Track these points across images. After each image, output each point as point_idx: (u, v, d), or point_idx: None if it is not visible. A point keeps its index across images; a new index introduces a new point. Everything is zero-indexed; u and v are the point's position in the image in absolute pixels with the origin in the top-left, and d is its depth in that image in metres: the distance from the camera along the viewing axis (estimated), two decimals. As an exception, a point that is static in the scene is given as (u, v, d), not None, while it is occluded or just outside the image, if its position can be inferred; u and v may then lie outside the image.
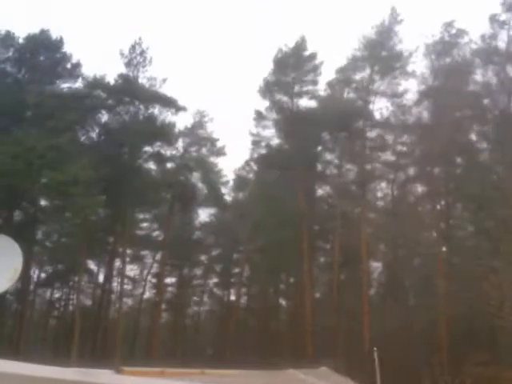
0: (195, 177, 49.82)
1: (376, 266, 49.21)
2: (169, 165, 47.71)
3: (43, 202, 42.47)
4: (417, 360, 33.48)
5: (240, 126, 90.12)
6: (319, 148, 47.24)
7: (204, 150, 50.08)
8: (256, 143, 47.82)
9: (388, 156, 45.25)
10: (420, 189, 46.71)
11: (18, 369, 5.14)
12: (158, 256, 50.32)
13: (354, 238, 41.79)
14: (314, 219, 43.96)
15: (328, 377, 5.79)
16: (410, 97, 43.45)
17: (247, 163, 52.38)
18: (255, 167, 51.84)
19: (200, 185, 50.42)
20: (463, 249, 41.38)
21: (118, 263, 48.04)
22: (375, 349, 16.36)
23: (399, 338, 37.09)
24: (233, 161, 75.79)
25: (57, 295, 51.78)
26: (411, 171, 46.09)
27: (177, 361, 31.36)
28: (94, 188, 37.10)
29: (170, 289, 51.51)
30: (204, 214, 54.12)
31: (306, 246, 42.16)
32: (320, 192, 50.20)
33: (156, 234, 51.69)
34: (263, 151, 48.14)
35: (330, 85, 46.33)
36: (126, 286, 47.52)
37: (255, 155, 49.19)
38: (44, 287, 49.86)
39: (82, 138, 42.95)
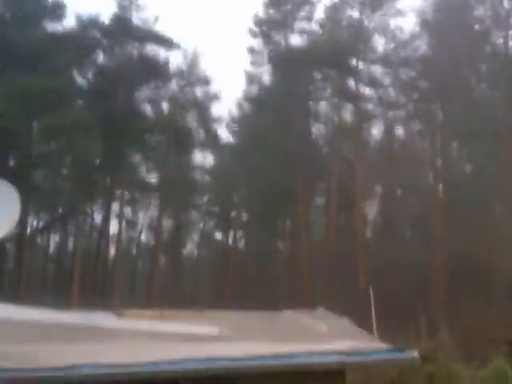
0: (190, 118, 49.50)
1: (372, 207, 49.38)
2: (164, 106, 47.58)
3: (40, 146, 42.28)
4: (413, 299, 33.95)
5: (234, 65, 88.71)
6: (312, 87, 46.78)
7: (199, 92, 49.64)
8: (249, 81, 47.54)
9: (383, 93, 44.87)
10: (417, 127, 46.47)
11: (20, 314, 5.25)
12: (155, 199, 50.39)
13: (350, 180, 41.78)
14: (309, 161, 43.78)
15: (325, 317, 5.89)
16: (406, 33, 42.93)
17: (241, 103, 52.05)
18: (249, 108, 51.56)
19: (195, 126, 50.13)
20: (460, 188, 41.42)
21: (115, 207, 48.17)
22: (371, 288, 16.55)
23: (395, 278, 37.52)
24: (227, 102, 75.23)
25: (55, 239, 52.07)
26: (407, 109, 45.75)
27: (175, 304, 31.74)
28: (91, 131, 36.92)
29: (167, 232, 51.72)
30: (199, 157, 54.00)
31: (301, 188, 42.15)
32: (315, 133, 49.84)
33: (152, 176, 51.61)
34: (256, 90, 47.84)
35: (323, 22, 45.71)
36: (123, 230, 47.75)
37: (248, 95, 48.94)
38: (42, 232, 50.07)
39: (78, 80, 42.60)
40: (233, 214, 52.08)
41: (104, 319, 5.42)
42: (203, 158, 53.84)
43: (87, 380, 4.13)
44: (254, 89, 48.96)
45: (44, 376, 4.08)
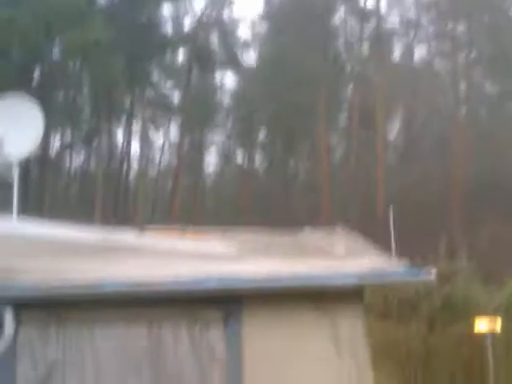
0: (213, 38, 48.97)
1: (393, 128, 49.00)
2: (187, 25, 47.04)
3: (63, 64, 42.14)
4: (432, 222, 34.00)
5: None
6: (332, 4, 45.80)
7: (222, 12, 48.89)
8: (267, 1, 46.65)
9: (404, 12, 43.84)
10: (440, 47, 45.51)
11: (43, 230, 5.37)
12: (176, 119, 50.35)
13: (371, 100, 41.35)
14: (330, 81, 43.23)
15: (344, 238, 5.95)
16: None
17: (259, 23, 51.16)
18: (267, 27, 50.75)
19: (217, 47, 49.57)
20: (483, 111, 40.90)
21: (136, 127, 48.27)
22: (391, 207, 16.60)
23: (415, 199, 37.54)
24: (247, 22, 73.81)
25: (77, 160, 52.38)
26: (430, 28, 44.73)
27: (196, 223, 32.10)
28: (113, 48, 36.67)
29: (188, 152, 51.82)
30: (221, 77, 53.56)
31: (321, 108, 41.81)
32: (335, 52, 48.97)
33: (174, 96, 51.41)
34: (275, 9, 46.96)
35: None
36: (144, 150, 47.94)
37: (267, 14, 48.13)
38: (64, 152, 50.36)
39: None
40: (253, 134, 51.90)
41: (127, 237, 5.53)
42: (224, 79, 53.37)
43: (109, 297, 4.25)
44: (273, 8, 48.05)
45: (66, 292, 4.20)
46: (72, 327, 4.32)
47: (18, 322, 4.12)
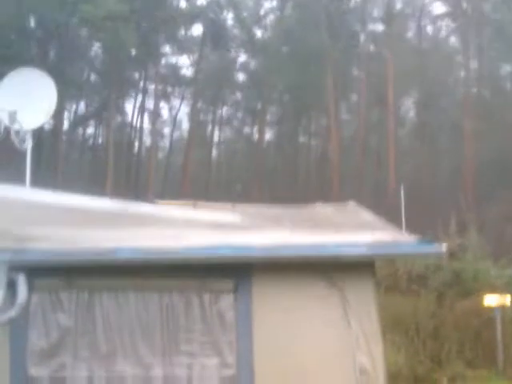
0: (225, 13, 48.84)
1: (404, 106, 48.80)
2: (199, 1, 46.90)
3: (76, 38, 42.15)
4: (443, 199, 33.98)
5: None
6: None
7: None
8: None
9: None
10: (452, 25, 45.15)
11: (58, 199, 5.40)
12: (188, 93, 50.32)
13: (381, 77, 41.16)
14: (340, 57, 43.01)
15: (355, 211, 5.97)
16: None
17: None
18: (277, 4, 50.45)
19: (230, 23, 49.48)
20: (495, 89, 40.63)
21: (149, 101, 48.33)
22: (402, 186, 16.71)
23: (426, 177, 37.47)
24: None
25: (89, 133, 52.55)
26: (443, 7, 44.36)
27: (207, 197, 32.18)
28: (127, 22, 36.63)
29: (200, 127, 51.85)
30: (233, 53, 53.38)
31: (331, 84, 41.62)
32: (345, 28, 48.64)
33: (187, 71, 51.38)
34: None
35: None
36: (156, 125, 48.01)
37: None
38: (77, 126, 50.51)
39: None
40: (264, 110, 51.79)
41: (140, 207, 5.56)
42: (237, 54, 53.21)
43: (122, 264, 4.29)
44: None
45: (79, 259, 4.25)
46: (84, 294, 4.38)
47: (30, 288, 4.15)
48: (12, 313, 4.03)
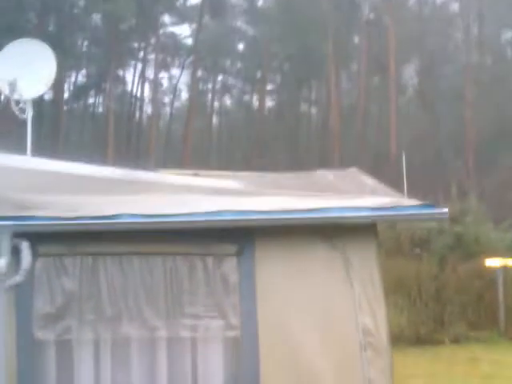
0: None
1: (404, 74, 48.56)
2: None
3: (75, 8, 41.93)
4: (443, 166, 34.01)
5: None
6: None
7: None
8: None
9: None
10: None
11: (60, 166, 5.43)
12: (188, 62, 50.09)
13: (382, 44, 40.94)
14: (340, 24, 42.73)
15: (357, 177, 5.99)
16: None
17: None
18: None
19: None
20: (496, 56, 40.42)
21: (149, 71, 48.13)
22: (403, 153, 16.69)
23: (427, 144, 37.42)
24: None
25: (90, 102, 52.42)
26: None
27: (208, 166, 32.22)
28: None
29: (200, 95, 51.70)
30: (232, 21, 53.05)
31: (331, 52, 41.43)
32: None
33: (186, 40, 51.11)
34: None
35: None
36: (157, 94, 47.88)
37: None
38: (77, 96, 50.37)
39: None
40: (264, 78, 51.60)
41: (142, 174, 5.59)
42: (237, 23, 52.90)
43: (125, 229, 4.32)
44: None
45: (84, 224, 4.27)
46: (88, 260, 4.41)
47: (34, 255, 4.20)
48: (17, 278, 4.09)
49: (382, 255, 4.78)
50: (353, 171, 6.53)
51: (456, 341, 15.40)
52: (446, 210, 4.59)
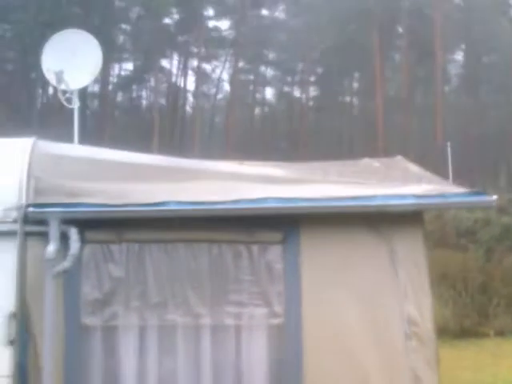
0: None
1: (451, 62, 47.91)
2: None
3: (120, 4, 42.42)
4: (492, 156, 33.46)
5: None
6: None
7: None
8: None
9: None
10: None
11: (109, 155, 5.49)
12: (231, 55, 50.17)
13: (428, 34, 40.42)
14: (385, 14, 42.28)
15: (403, 165, 5.92)
16: None
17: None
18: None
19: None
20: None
21: (192, 63, 48.37)
22: (448, 143, 16.52)
23: (474, 134, 36.85)
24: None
25: (135, 95, 52.91)
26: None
27: (252, 157, 32.28)
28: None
29: (243, 87, 51.75)
30: (275, 13, 52.97)
31: (376, 42, 41.08)
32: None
33: (228, 32, 51.16)
34: None
35: None
36: (200, 86, 48.09)
37: None
38: (122, 88, 50.86)
39: None
40: (308, 69, 51.41)
41: (188, 162, 5.62)
42: (275, 13, 52.79)
43: (173, 216, 4.36)
44: None
45: (132, 211, 4.32)
46: (134, 246, 4.46)
47: (82, 241, 4.26)
48: (65, 264, 4.16)
49: (427, 246, 4.73)
50: (398, 159, 6.46)
51: (501, 333, 15.20)
52: (494, 197, 4.52)
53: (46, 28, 26.99)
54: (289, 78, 54.71)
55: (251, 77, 53.47)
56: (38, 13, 36.77)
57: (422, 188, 4.67)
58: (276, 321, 4.46)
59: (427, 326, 4.46)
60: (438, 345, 4.52)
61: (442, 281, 14.62)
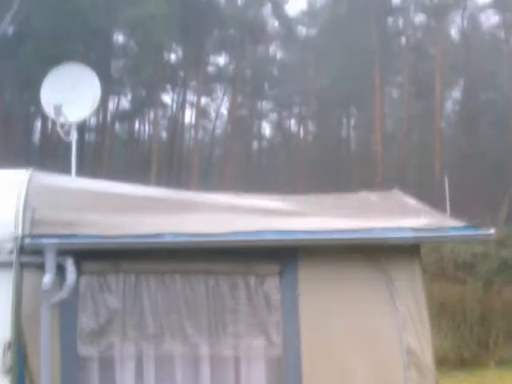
0: (265, 11, 49.03)
1: (449, 99, 48.32)
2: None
3: (120, 39, 42.88)
4: (489, 190, 33.51)
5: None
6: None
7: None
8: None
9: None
10: (496, 18, 44.65)
11: (105, 186, 5.50)
12: (229, 90, 50.57)
13: (427, 71, 40.87)
14: (386, 52, 42.84)
15: (400, 198, 5.92)
16: None
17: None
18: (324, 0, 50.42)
19: (270, 19, 49.63)
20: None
21: (190, 97, 48.74)
22: (446, 177, 16.58)
23: (472, 169, 36.97)
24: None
25: (133, 128, 53.18)
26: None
27: (249, 189, 32.34)
28: (169, 24, 37.30)
29: (241, 122, 52.05)
30: (274, 50, 53.57)
31: (377, 79, 41.53)
32: (392, 24, 48.55)
33: (227, 68, 51.66)
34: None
35: None
36: (198, 119, 48.36)
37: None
38: (120, 121, 51.14)
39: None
40: (305, 104, 51.81)
41: (185, 194, 5.63)
42: (277, 50, 53.39)
43: (170, 247, 4.36)
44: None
45: (128, 242, 4.32)
46: (131, 277, 4.45)
47: (78, 272, 4.26)
48: (62, 295, 4.15)
49: (425, 279, 4.72)
50: (395, 193, 6.46)
51: (502, 363, 15.12)
52: (492, 231, 4.53)
53: (45, 62, 27.20)
54: (286, 113, 55.07)
55: (249, 111, 53.82)
56: (38, 47, 37.12)
57: (419, 221, 4.68)
58: (274, 352, 4.44)
59: (426, 356, 4.45)
60: (438, 376, 4.50)
61: (441, 312, 14.59)
